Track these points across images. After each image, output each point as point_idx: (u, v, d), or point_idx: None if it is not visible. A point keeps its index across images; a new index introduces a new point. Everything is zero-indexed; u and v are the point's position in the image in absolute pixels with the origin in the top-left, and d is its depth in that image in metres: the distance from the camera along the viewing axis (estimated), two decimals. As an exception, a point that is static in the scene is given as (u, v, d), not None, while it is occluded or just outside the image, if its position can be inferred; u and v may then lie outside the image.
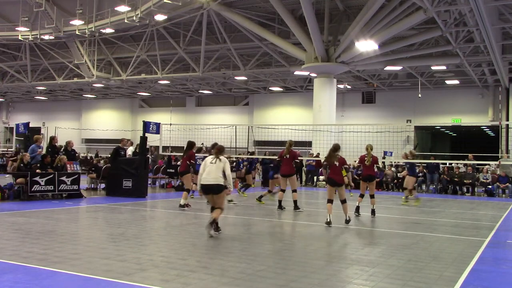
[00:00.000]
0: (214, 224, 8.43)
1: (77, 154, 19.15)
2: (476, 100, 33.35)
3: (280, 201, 13.25)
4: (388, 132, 23.81)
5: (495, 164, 22.14)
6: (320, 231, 9.83)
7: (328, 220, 10.15)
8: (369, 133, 21.28)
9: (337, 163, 10.47)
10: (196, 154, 14.13)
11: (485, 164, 23.19)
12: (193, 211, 12.31)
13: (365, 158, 12.24)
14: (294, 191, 13.06)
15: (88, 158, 30.78)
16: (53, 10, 29.22)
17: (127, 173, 15.34)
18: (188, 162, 13.00)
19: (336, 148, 10.76)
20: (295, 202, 12.97)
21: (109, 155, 18.08)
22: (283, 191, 13.26)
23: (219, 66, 32.14)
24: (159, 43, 30.38)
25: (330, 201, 10.45)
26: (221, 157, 8.80)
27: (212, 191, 8.58)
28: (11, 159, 19.58)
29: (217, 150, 8.98)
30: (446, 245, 8.43)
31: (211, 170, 8.59)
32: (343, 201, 10.62)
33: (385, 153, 24.67)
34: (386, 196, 19.13)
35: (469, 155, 23.32)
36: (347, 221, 10.39)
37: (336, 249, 7.78)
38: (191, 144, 13.32)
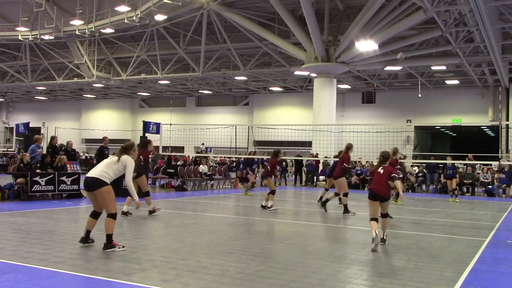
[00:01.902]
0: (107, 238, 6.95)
1: (77, 154, 19.16)
2: (476, 100, 33.35)
3: (325, 200, 13.10)
4: (388, 132, 23.79)
5: (496, 164, 22.15)
6: (320, 231, 9.82)
7: (375, 234, 7.61)
8: (369, 133, 21.28)
9: (381, 171, 8.13)
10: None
11: (487, 164, 23.19)
12: (193, 211, 12.30)
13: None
14: (345, 195, 12.66)
15: (88, 158, 30.80)
16: (53, 10, 29.23)
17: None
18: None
19: (385, 156, 8.46)
20: (345, 206, 12.47)
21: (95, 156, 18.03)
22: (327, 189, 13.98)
23: (219, 66, 32.15)
24: (159, 43, 30.39)
25: (374, 219, 7.92)
26: (124, 157, 7.22)
27: (92, 186, 6.99)
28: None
29: (122, 148, 7.43)
30: (446, 245, 8.42)
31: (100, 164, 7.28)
32: (385, 215, 8.28)
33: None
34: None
35: (469, 155, 23.32)
36: (382, 240, 8.06)
37: (336, 249, 7.78)
38: (275, 153, 13.19)
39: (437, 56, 26.64)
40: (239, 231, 9.51)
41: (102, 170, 7.03)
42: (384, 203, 8.07)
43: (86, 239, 7.14)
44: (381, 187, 7.96)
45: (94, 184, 6.92)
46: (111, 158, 7.28)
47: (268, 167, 13.15)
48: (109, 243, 6.89)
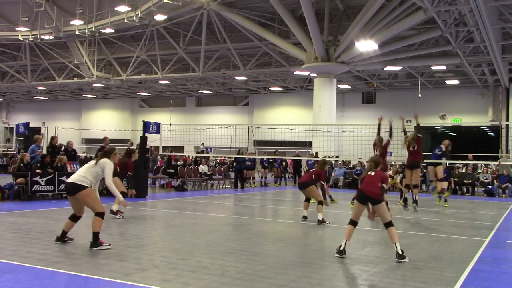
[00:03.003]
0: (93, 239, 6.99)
1: (77, 154, 19.14)
2: (476, 100, 33.36)
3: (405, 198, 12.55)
4: (388, 132, 23.72)
5: (496, 164, 22.15)
6: (320, 231, 9.82)
7: (342, 247, 7.03)
8: (369, 133, 21.25)
9: (372, 173, 7.31)
10: None
11: (488, 164, 23.21)
12: (193, 211, 12.30)
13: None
14: (415, 186, 11.98)
15: (88, 158, 30.76)
16: (53, 10, 29.24)
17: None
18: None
19: (376, 162, 7.54)
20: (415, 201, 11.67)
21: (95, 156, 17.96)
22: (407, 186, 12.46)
23: (219, 66, 32.16)
24: (159, 43, 30.39)
25: (354, 222, 7.22)
26: (102, 160, 7.28)
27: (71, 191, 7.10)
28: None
29: (102, 152, 7.55)
30: (446, 245, 8.42)
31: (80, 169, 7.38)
32: (388, 224, 7.06)
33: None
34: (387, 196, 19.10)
35: (469, 155, 23.32)
36: (400, 256, 6.81)
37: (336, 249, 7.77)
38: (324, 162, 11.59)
39: (437, 56, 26.64)
40: (239, 231, 9.50)
41: (80, 174, 7.12)
42: (376, 206, 7.07)
43: (62, 238, 7.29)
44: (372, 188, 7.08)
45: (74, 189, 7.02)
46: (89, 162, 7.40)
47: (313, 176, 11.08)
48: (96, 242, 6.93)
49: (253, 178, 22.92)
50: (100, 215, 7.01)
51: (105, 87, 39.41)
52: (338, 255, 6.95)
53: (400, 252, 6.79)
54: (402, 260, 6.71)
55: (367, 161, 7.79)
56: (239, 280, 5.62)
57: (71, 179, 7.14)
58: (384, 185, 7.17)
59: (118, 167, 11.06)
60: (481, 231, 10.37)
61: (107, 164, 7.21)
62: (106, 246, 6.97)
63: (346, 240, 7.04)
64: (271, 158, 23.49)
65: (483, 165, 23.27)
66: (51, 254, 6.56)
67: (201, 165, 21.41)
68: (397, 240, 6.88)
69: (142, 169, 15.40)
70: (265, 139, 32.12)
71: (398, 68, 28.54)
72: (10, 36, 31.96)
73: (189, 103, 44.70)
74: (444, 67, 28.40)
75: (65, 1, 30.07)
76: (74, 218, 7.32)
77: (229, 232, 9.15)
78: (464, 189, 21.75)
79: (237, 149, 23.18)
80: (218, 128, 23.66)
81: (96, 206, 7.06)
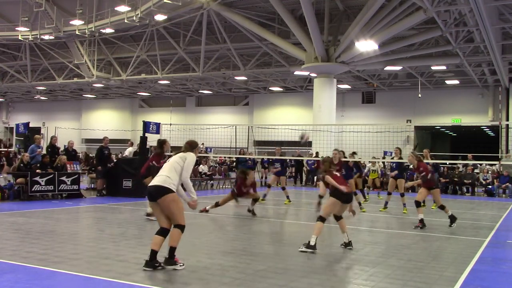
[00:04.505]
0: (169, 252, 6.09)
1: (77, 154, 19.16)
2: (476, 100, 33.35)
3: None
4: (388, 132, 23.76)
5: (496, 164, 22.17)
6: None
7: (313, 242, 7.42)
8: (369, 133, 21.26)
9: (338, 173, 8.02)
10: None
11: (489, 164, 23.21)
12: (193, 211, 12.28)
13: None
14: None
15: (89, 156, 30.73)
16: (53, 10, 29.22)
17: (127, 173, 15.35)
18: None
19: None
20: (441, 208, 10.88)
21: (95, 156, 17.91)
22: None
23: (219, 66, 32.15)
24: (159, 43, 30.39)
25: (322, 219, 7.68)
26: (187, 153, 6.40)
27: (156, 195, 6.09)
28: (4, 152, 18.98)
29: (188, 144, 6.58)
30: (446, 245, 8.42)
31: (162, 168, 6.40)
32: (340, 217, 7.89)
33: (385, 153, 24.69)
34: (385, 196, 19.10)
35: (469, 155, 23.35)
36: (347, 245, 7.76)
37: (336, 249, 7.78)
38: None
39: (437, 56, 26.63)
40: (239, 231, 9.51)
41: (165, 175, 6.14)
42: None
43: (152, 263, 5.99)
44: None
45: (159, 192, 6.02)
46: (171, 160, 6.33)
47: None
48: (172, 258, 6.04)
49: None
50: (181, 228, 6.06)
51: (105, 87, 39.40)
52: (350, 247, 7.59)
53: (348, 241, 7.67)
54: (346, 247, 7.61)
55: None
56: (239, 280, 5.62)
57: (155, 182, 6.12)
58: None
59: (155, 161, 10.53)
60: (481, 231, 10.38)
61: (190, 158, 6.31)
62: (180, 266, 6.08)
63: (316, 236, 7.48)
64: (271, 158, 23.48)
65: (485, 165, 23.24)
66: (51, 254, 6.56)
67: (201, 165, 21.41)
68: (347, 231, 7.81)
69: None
70: (265, 139, 32.09)
71: (398, 68, 28.53)
72: (10, 36, 31.92)
73: (189, 103, 44.70)
74: (444, 67, 28.39)
75: (65, 1, 30.05)
76: (163, 232, 6.10)
77: (229, 232, 9.16)
78: (464, 189, 21.77)
79: (240, 149, 23.21)
80: (218, 128, 23.64)
81: (180, 216, 6.07)
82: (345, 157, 13.22)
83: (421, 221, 10.22)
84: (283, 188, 15.38)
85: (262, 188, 21.93)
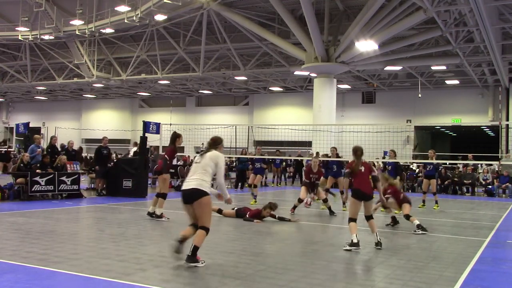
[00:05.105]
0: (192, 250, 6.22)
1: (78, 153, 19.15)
2: (476, 100, 33.36)
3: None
4: (388, 132, 23.77)
5: (497, 164, 22.17)
6: (320, 231, 9.82)
7: (355, 240, 7.58)
8: (369, 133, 21.26)
9: (363, 169, 7.95)
10: None
11: (488, 165, 23.21)
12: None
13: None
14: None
15: (88, 158, 30.74)
16: (53, 10, 29.23)
17: (127, 173, 15.35)
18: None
19: (361, 150, 8.14)
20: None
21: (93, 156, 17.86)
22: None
23: (219, 66, 32.15)
24: (159, 43, 30.39)
25: (353, 220, 7.80)
26: (214, 153, 6.51)
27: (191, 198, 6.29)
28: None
29: (212, 141, 6.71)
30: (446, 245, 8.42)
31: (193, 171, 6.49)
32: (370, 217, 7.96)
33: (385, 153, 24.71)
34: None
35: (469, 155, 23.33)
36: (378, 244, 7.80)
37: (336, 249, 7.78)
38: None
39: (437, 56, 26.64)
40: (239, 231, 9.51)
41: (199, 178, 6.28)
42: (368, 203, 7.88)
43: (181, 247, 6.17)
44: (365, 186, 7.84)
45: (196, 195, 6.20)
46: (201, 160, 6.45)
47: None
48: (194, 256, 6.18)
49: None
50: (207, 230, 6.27)
51: (105, 87, 39.40)
52: (355, 248, 7.52)
53: (380, 240, 7.76)
54: (379, 247, 7.65)
55: (353, 155, 8.09)
56: (239, 280, 5.62)
57: (191, 185, 6.25)
58: (374, 174, 8.07)
59: (168, 156, 10.51)
60: (481, 231, 10.37)
61: (221, 159, 6.44)
62: (201, 263, 6.22)
63: (355, 234, 7.61)
64: (271, 158, 23.48)
65: (484, 165, 23.24)
66: (51, 254, 6.56)
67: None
68: (376, 231, 7.88)
69: (142, 169, 15.41)
70: (265, 139, 32.09)
71: (398, 68, 28.54)
72: (10, 36, 31.93)
73: (189, 103, 44.71)
74: (444, 67, 28.40)
75: (65, 1, 30.06)
76: (196, 226, 6.36)
77: (229, 232, 9.16)
78: (464, 189, 21.76)
79: (242, 150, 23.23)
80: (218, 128, 23.64)
81: (208, 219, 6.32)
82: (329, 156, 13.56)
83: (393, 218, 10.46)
84: (255, 186, 15.39)
85: (262, 189, 21.95)
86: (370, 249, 7.79)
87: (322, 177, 12.93)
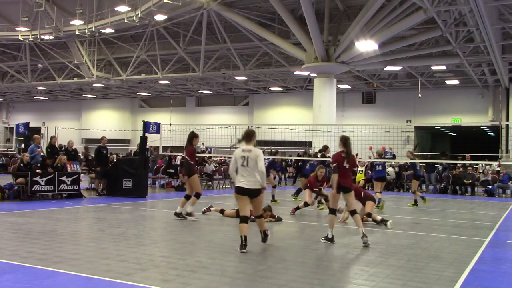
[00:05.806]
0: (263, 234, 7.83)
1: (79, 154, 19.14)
2: (476, 100, 33.37)
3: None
4: (388, 132, 23.78)
5: (496, 164, 22.14)
6: (319, 231, 9.81)
7: (330, 236, 8.09)
8: (369, 133, 21.27)
9: (347, 166, 8.19)
10: None
11: (488, 165, 23.19)
12: (195, 212, 12.26)
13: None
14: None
15: (89, 158, 30.72)
16: (53, 10, 29.24)
17: (127, 173, 15.35)
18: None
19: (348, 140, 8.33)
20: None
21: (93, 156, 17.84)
22: None
23: (219, 66, 32.15)
24: (159, 43, 30.39)
25: (333, 211, 8.26)
26: (254, 150, 7.57)
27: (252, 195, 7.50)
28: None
29: (246, 135, 7.84)
30: (446, 245, 8.42)
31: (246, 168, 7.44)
32: (353, 212, 8.19)
33: (385, 153, 24.70)
34: (386, 197, 19.12)
35: (466, 155, 23.32)
36: (365, 238, 7.91)
37: (336, 249, 7.78)
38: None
39: (437, 56, 26.65)
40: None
41: (254, 179, 7.34)
42: (348, 194, 8.21)
43: (246, 244, 7.18)
44: (347, 180, 8.20)
45: (256, 193, 7.44)
46: (250, 162, 7.37)
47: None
48: (266, 237, 7.82)
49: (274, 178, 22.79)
50: (262, 217, 7.84)
51: (105, 87, 39.41)
52: (329, 242, 8.03)
53: (364, 233, 7.94)
54: (365, 243, 7.84)
55: (342, 151, 8.21)
56: (239, 280, 5.62)
57: (252, 186, 7.34)
58: (354, 169, 8.33)
59: (188, 157, 10.37)
60: (481, 231, 10.37)
61: (260, 156, 7.39)
62: (269, 233, 7.91)
63: (332, 229, 8.15)
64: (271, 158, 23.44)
65: (484, 165, 23.21)
66: (51, 254, 6.56)
67: (206, 165, 21.40)
68: (362, 225, 8.10)
69: (142, 169, 15.41)
70: (265, 139, 32.08)
71: (398, 68, 28.54)
72: (10, 36, 31.94)
73: (189, 103, 44.71)
74: (444, 67, 28.40)
75: (65, 1, 30.06)
76: (245, 219, 7.35)
77: (229, 232, 9.16)
78: (464, 189, 21.75)
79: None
80: (218, 128, 23.64)
81: (261, 208, 7.84)
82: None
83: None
84: None
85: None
86: (370, 249, 7.79)
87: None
